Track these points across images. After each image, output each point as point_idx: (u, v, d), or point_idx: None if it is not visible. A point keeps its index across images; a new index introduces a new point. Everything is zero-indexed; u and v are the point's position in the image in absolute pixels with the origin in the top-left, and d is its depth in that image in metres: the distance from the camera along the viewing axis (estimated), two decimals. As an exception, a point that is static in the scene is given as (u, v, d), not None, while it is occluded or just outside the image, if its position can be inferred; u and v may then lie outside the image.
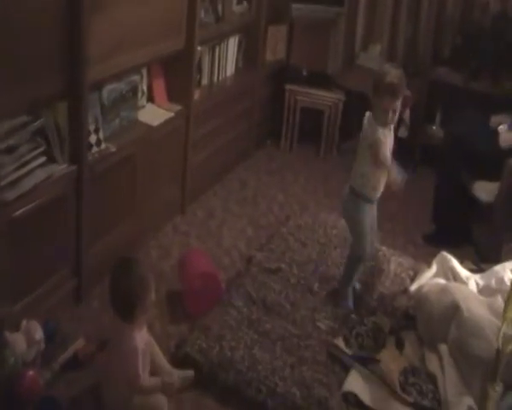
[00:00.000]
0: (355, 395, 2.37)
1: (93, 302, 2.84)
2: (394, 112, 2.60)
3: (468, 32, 4.35)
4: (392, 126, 2.70)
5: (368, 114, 2.70)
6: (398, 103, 2.61)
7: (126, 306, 2.14)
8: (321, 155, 4.67)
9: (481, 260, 3.37)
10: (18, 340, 2.34)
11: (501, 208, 3.36)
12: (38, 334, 2.40)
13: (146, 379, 2.21)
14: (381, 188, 2.75)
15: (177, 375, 2.38)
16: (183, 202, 3.67)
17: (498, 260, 3.14)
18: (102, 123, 2.84)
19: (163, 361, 2.41)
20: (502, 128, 3.60)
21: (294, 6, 4.47)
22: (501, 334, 1.68)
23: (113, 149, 2.85)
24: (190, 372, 2.43)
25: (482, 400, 1.88)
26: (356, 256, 2.86)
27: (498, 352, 1.70)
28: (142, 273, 2.18)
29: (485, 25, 4.28)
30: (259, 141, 4.66)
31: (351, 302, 2.91)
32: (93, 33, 2.55)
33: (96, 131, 2.77)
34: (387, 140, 2.65)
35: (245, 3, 4.09)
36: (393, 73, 2.62)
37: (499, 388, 1.78)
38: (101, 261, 2.89)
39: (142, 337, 2.21)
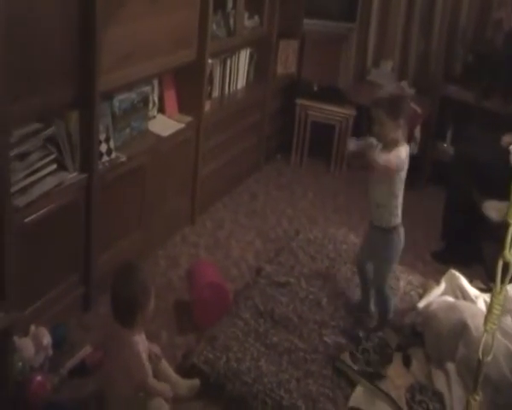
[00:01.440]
0: (361, 411, 2.35)
1: (101, 310, 2.84)
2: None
3: (480, 50, 4.35)
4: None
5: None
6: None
7: (128, 311, 2.15)
8: (331, 170, 4.67)
9: (491, 279, 3.34)
10: (26, 345, 2.36)
11: (511, 227, 3.34)
12: (46, 340, 2.42)
13: (153, 381, 2.21)
14: (373, 212, 2.73)
15: (184, 385, 2.38)
16: (192, 213, 3.68)
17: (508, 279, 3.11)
18: (113, 132, 2.86)
19: (169, 371, 2.41)
20: (513, 147, 3.59)
21: (306, 21, 4.50)
22: (481, 344, 1.71)
23: (124, 159, 2.87)
24: (196, 382, 2.43)
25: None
26: None
27: (479, 362, 1.74)
28: (143, 279, 2.20)
29: (498, 43, 4.29)
30: (269, 154, 4.67)
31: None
32: (106, 43, 2.58)
33: (107, 140, 2.79)
34: None
35: (257, 18, 4.12)
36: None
37: (479, 397, 1.82)
38: (110, 269, 2.89)
39: (142, 341, 2.22)
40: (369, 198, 2.72)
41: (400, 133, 2.60)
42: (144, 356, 2.17)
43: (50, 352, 2.44)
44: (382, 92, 2.67)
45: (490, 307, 1.72)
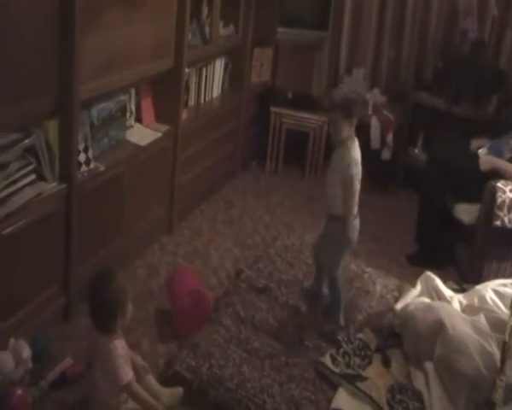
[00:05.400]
0: (343, 413, 2.39)
1: (81, 320, 2.82)
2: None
3: (448, 58, 4.47)
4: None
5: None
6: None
7: (107, 315, 2.14)
8: (306, 176, 4.72)
9: (464, 280, 3.43)
10: (5, 359, 2.33)
11: (482, 230, 3.44)
12: (26, 353, 2.39)
13: (136, 386, 2.20)
14: None
15: (167, 393, 2.38)
16: (170, 222, 3.68)
17: (480, 280, 3.21)
18: (91, 142, 2.86)
19: (152, 381, 2.40)
20: (482, 151, 3.69)
21: (280, 30, 4.56)
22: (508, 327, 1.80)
23: (102, 169, 2.87)
24: (179, 390, 2.42)
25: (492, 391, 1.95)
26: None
27: (505, 344, 1.82)
28: (120, 282, 2.19)
29: (465, 51, 4.42)
30: (245, 162, 4.70)
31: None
32: (84, 53, 2.58)
33: (86, 149, 2.79)
34: None
35: (231, 26, 4.16)
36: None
37: (505, 378, 1.88)
38: (90, 279, 2.88)
39: (122, 347, 2.20)
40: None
41: (353, 131, 2.73)
42: (122, 361, 2.15)
43: (30, 365, 2.41)
44: (336, 95, 2.88)
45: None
